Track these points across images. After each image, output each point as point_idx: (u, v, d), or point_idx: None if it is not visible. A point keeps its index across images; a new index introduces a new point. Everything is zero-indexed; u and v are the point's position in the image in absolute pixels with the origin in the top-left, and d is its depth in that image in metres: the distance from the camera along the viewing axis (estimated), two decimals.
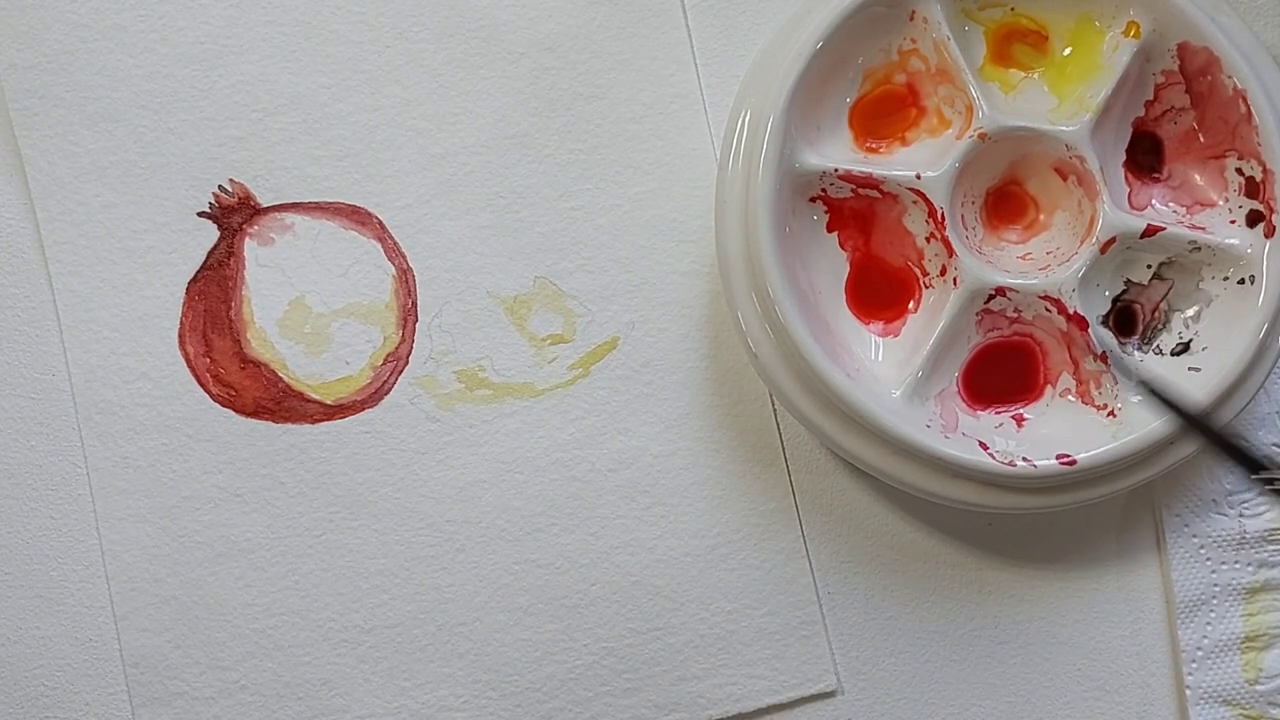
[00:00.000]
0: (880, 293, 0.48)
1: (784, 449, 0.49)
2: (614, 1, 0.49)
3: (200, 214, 0.49)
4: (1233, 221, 0.47)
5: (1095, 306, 0.47)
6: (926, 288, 0.47)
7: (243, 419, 0.49)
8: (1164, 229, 0.46)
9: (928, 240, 0.47)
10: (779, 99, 0.45)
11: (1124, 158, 0.48)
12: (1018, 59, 0.48)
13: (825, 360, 0.45)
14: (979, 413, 0.47)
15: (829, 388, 0.45)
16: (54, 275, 0.49)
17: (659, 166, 0.49)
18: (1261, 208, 0.46)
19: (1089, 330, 0.46)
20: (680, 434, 0.49)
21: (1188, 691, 0.49)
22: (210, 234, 0.49)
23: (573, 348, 0.49)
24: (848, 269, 0.48)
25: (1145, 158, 0.48)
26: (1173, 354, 0.47)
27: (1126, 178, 0.48)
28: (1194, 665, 0.49)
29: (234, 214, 0.49)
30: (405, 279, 0.49)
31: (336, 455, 0.49)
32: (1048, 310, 0.47)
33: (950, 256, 0.46)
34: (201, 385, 0.49)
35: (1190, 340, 0.47)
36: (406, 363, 0.49)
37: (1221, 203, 0.47)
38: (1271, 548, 0.49)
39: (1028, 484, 0.46)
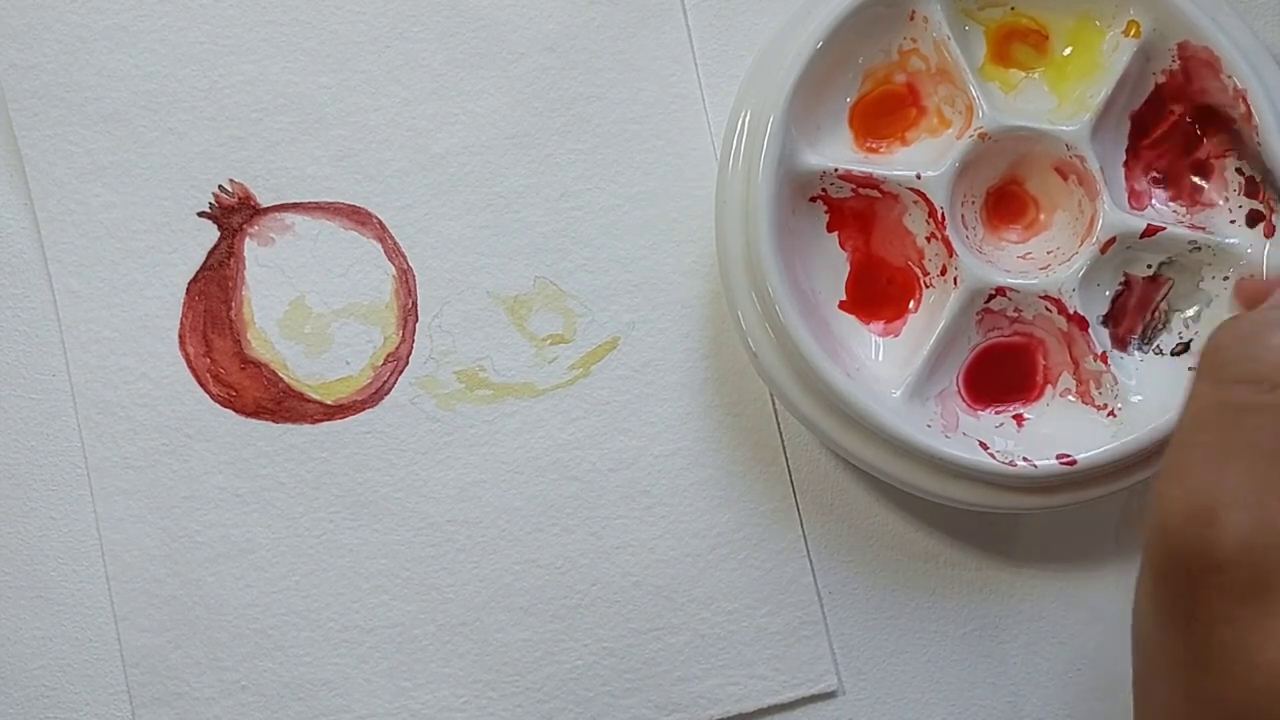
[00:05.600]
0: (880, 292, 0.48)
1: (784, 449, 0.49)
2: (614, 1, 0.49)
3: (200, 214, 0.49)
4: (1233, 221, 0.47)
5: (1095, 306, 0.47)
6: (927, 287, 0.47)
7: (243, 419, 0.49)
8: (1164, 229, 0.46)
9: (928, 240, 0.47)
10: (779, 99, 0.45)
11: (1124, 157, 0.48)
12: (1018, 59, 0.48)
13: (825, 360, 0.45)
14: (979, 412, 0.47)
15: (829, 388, 0.45)
16: (54, 275, 0.49)
17: (659, 166, 0.49)
18: (1261, 207, 0.46)
19: (1088, 330, 0.46)
20: (680, 434, 0.49)
21: None
22: (210, 234, 0.49)
23: (573, 348, 0.49)
24: (848, 269, 0.48)
25: (1146, 157, 0.48)
26: (1173, 354, 0.47)
27: (1126, 177, 0.48)
28: None
29: (234, 214, 0.49)
30: (405, 279, 0.49)
31: (337, 455, 0.49)
32: (1048, 310, 0.47)
33: (950, 256, 0.46)
34: (201, 385, 0.49)
35: (1190, 340, 0.47)
36: (407, 363, 0.49)
37: (1221, 202, 0.47)
38: None
39: (1028, 484, 0.46)
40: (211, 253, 0.49)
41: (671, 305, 0.49)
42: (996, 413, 0.47)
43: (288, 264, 0.49)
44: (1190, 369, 0.46)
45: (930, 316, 0.47)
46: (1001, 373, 0.47)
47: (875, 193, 0.47)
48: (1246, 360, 0.35)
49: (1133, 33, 0.47)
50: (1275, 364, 0.35)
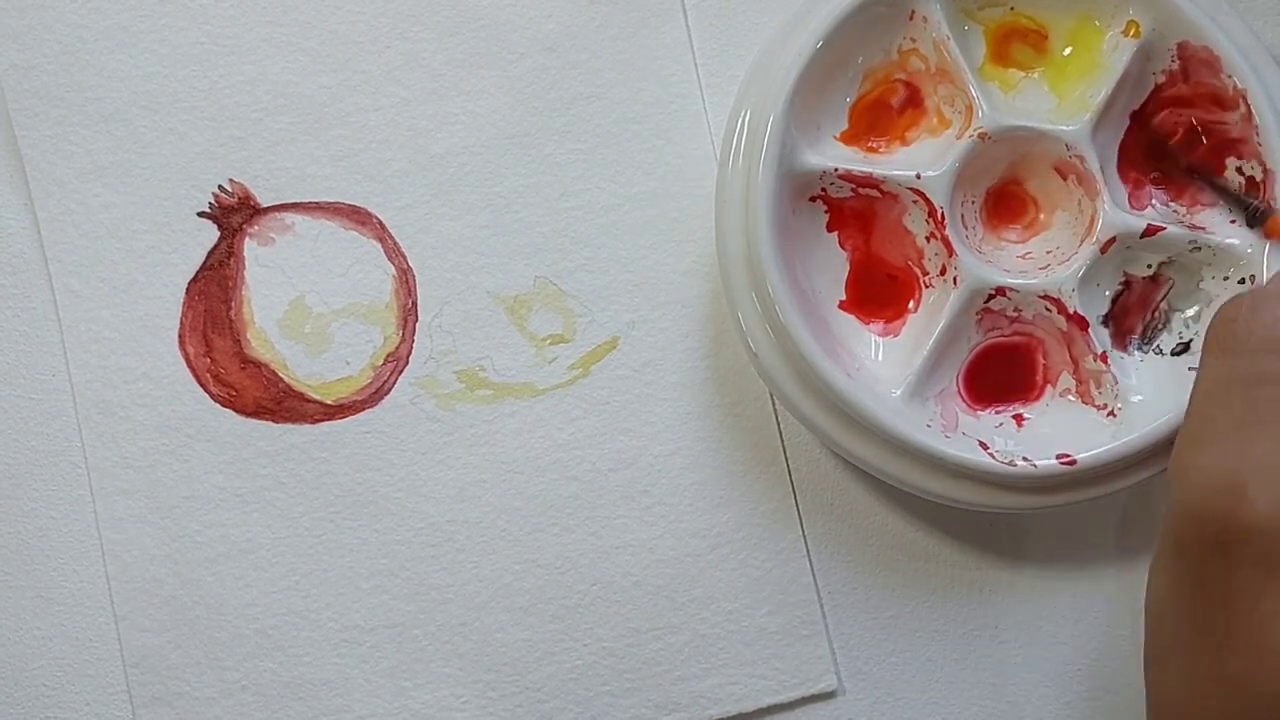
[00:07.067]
0: (880, 292, 0.48)
1: (784, 449, 0.49)
2: (614, 1, 0.49)
3: (200, 214, 0.49)
4: (1233, 221, 0.47)
5: (1095, 306, 0.47)
6: (927, 287, 0.47)
7: (243, 419, 0.49)
8: (1164, 229, 0.46)
9: (928, 240, 0.47)
10: (779, 99, 0.45)
11: (1124, 157, 0.48)
12: (1017, 58, 0.48)
13: (825, 360, 0.45)
14: (979, 412, 0.47)
15: (829, 388, 0.45)
16: (54, 275, 0.49)
17: (659, 166, 0.49)
18: (1262, 207, 0.46)
19: (1088, 330, 0.46)
20: (680, 434, 0.49)
21: None
22: (210, 234, 0.49)
23: (573, 347, 0.49)
24: (848, 268, 0.48)
25: (1145, 157, 0.48)
26: (1173, 354, 0.47)
27: (1126, 177, 0.48)
28: None
29: (234, 214, 0.49)
30: (405, 279, 0.49)
31: (337, 455, 0.49)
32: (1048, 310, 0.47)
33: (950, 256, 0.46)
34: (201, 385, 0.49)
35: (1190, 340, 0.47)
36: (407, 363, 0.49)
37: (1222, 203, 0.47)
38: None
39: (1028, 484, 0.46)
40: (211, 253, 0.49)
41: (671, 305, 0.49)
42: (996, 412, 0.47)
43: (288, 264, 0.49)
44: (1191, 369, 0.46)
45: (930, 316, 0.47)
46: (1001, 372, 0.47)
47: (875, 192, 0.47)
48: (1259, 329, 0.35)
49: (1132, 32, 0.47)
50: None
